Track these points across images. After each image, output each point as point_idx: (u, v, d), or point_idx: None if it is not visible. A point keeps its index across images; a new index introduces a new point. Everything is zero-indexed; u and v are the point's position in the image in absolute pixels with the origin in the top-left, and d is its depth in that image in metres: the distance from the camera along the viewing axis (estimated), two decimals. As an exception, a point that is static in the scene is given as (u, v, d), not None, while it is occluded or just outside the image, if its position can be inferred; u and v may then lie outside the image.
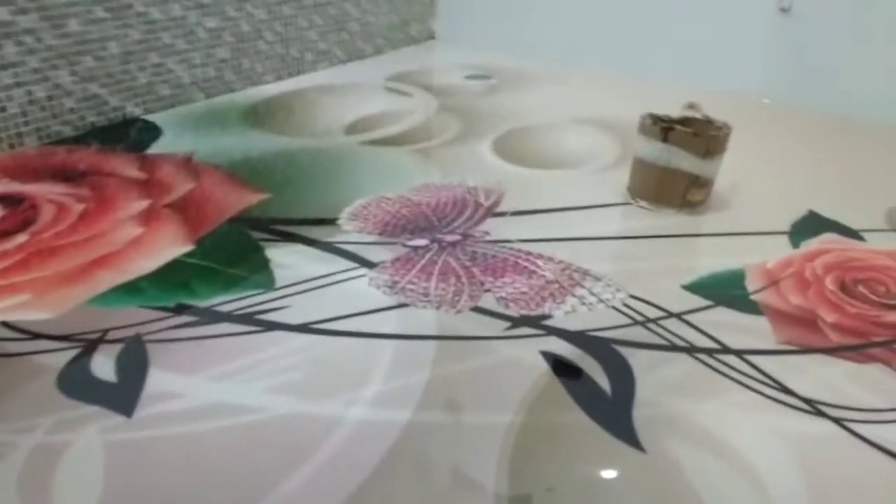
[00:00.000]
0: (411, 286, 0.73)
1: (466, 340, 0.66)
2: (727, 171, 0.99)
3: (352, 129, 1.19)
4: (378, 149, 1.11)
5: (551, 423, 0.57)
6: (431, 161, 1.07)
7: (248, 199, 0.90)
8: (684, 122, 0.96)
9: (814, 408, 0.60)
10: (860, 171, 1.12)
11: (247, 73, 1.36)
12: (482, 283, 0.75)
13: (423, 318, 0.68)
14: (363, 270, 0.76)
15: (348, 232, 0.84)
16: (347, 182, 0.99)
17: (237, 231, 0.82)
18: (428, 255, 0.79)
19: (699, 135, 0.91)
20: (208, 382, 0.58)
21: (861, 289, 0.77)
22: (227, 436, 0.53)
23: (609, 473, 0.53)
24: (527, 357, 0.64)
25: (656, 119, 0.94)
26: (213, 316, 0.66)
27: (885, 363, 0.66)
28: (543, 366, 0.63)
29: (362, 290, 0.73)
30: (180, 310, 0.67)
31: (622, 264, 0.82)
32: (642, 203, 0.96)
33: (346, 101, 1.33)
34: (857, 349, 0.68)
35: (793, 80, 1.40)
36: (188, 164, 0.98)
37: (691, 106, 1.32)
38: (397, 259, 0.79)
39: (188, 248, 0.77)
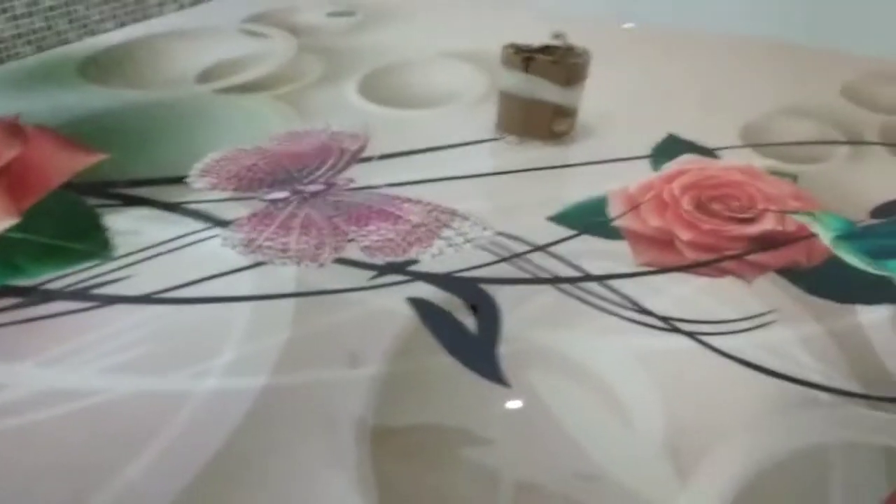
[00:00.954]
0: (269, 243, 0.69)
1: (329, 295, 0.63)
2: (592, 100, 0.99)
3: (204, 77, 1.10)
4: (233, 97, 1.04)
5: (417, 368, 0.56)
6: (292, 107, 1.01)
7: (83, 162, 0.81)
8: (545, 50, 0.95)
9: (670, 325, 0.62)
10: (717, 89, 1.16)
11: (82, 20, 1.23)
12: (346, 234, 0.72)
13: (283, 277, 0.65)
14: (216, 230, 0.71)
15: (199, 190, 0.78)
16: (200, 136, 0.92)
17: (70, 198, 0.74)
18: (288, 209, 0.75)
19: (559, 63, 0.90)
20: (37, 369, 0.52)
21: (715, 206, 0.80)
22: (60, 425, 0.48)
23: (474, 410, 0.53)
24: (393, 305, 0.62)
25: (518, 49, 0.93)
26: (41, 295, 0.60)
27: (737, 275, 0.69)
28: (410, 312, 0.62)
29: (215, 251, 0.68)
30: (4, 292, 0.60)
31: (490, 201, 0.81)
32: (510, 138, 0.95)
33: (198, 47, 1.23)
34: (711, 264, 0.71)
35: (654, 3, 1.42)
36: (13, 128, 0.88)
37: (557, 35, 1.31)
38: (254, 215, 0.74)
39: (12, 221, 0.70)
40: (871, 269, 0.69)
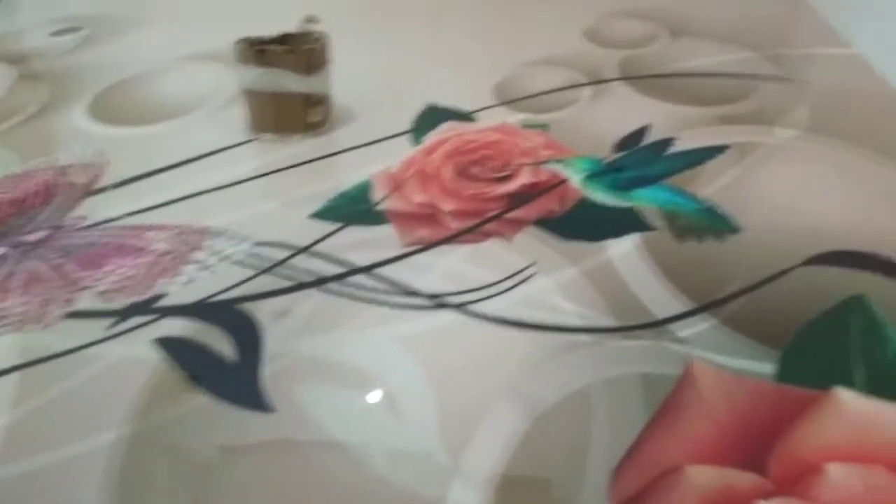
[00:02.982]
0: (-18, 313, 0.60)
1: (57, 359, 0.56)
2: (345, 83, 0.96)
3: None
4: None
5: (169, 419, 0.50)
6: (9, 146, 0.88)
7: None
8: (282, 40, 0.90)
9: (437, 302, 0.61)
10: (468, 49, 1.17)
11: None
12: (78, 281, 0.63)
13: (1, 349, 0.56)
14: (-88, 313, 0.60)
15: None
16: None
17: None
18: (5, 267, 0.65)
19: (295, 51, 0.86)
20: None
21: (476, 169, 0.81)
22: None
23: (240, 447, 0.49)
24: (138, 352, 0.56)
25: (251, 42, 0.87)
26: None
27: (498, 235, 0.70)
28: (157, 356, 0.56)
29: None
30: None
31: (248, 209, 0.76)
32: (266, 136, 0.90)
33: None
34: (474, 230, 0.71)
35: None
36: None
37: (309, 19, 1.26)
38: (-38, 284, 0.64)
39: None
40: (617, 203, 0.73)
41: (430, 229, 0.71)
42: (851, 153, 0.80)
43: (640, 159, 0.81)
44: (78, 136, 0.91)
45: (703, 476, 0.44)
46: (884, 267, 0.61)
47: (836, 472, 0.42)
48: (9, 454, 0.47)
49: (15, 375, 0.54)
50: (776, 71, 1.02)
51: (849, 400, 0.46)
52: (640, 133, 0.86)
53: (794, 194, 0.73)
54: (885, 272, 0.61)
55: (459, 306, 0.60)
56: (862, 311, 0.55)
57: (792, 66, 1.03)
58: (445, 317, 0.59)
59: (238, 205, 0.77)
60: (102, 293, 0.62)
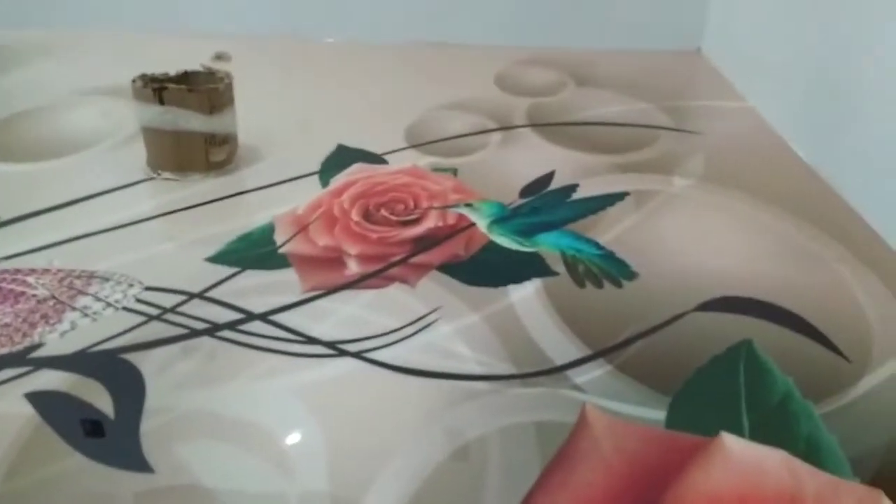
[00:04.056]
0: None
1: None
2: (255, 122, 0.95)
3: None
4: None
5: (37, 481, 0.46)
6: None
7: None
8: (184, 78, 0.88)
9: (336, 349, 0.59)
10: (381, 94, 1.18)
11: None
12: (-56, 330, 0.58)
13: None
14: None
15: None
16: None
17: None
18: None
19: (195, 90, 0.83)
20: None
21: (383, 212, 0.80)
22: None
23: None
24: (7, 407, 0.52)
25: (147, 80, 0.84)
26: None
27: (401, 280, 0.69)
28: (28, 412, 0.51)
29: None
30: None
31: (140, 252, 0.72)
32: (166, 174, 0.86)
33: None
34: (377, 274, 0.70)
35: (308, 15, 1.41)
36: None
37: (220, 56, 1.23)
38: None
39: None
40: (522, 248, 0.74)
41: (333, 274, 0.70)
42: (743, 202, 0.84)
43: (544, 205, 0.82)
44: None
45: (593, 527, 0.43)
46: (773, 314, 0.64)
47: (721, 518, 0.43)
48: None
49: None
50: (674, 122, 1.07)
51: (735, 447, 0.47)
52: (545, 179, 0.88)
53: (688, 241, 0.76)
54: (775, 319, 0.64)
55: (359, 354, 0.59)
56: (750, 358, 0.57)
57: (689, 117, 1.09)
58: (344, 364, 0.58)
59: (131, 247, 0.73)
60: (-30, 343, 0.57)
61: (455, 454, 0.49)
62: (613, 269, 0.70)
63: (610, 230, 0.77)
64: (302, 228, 0.77)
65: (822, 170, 0.91)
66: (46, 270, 0.67)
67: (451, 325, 0.62)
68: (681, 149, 0.98)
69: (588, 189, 0.85)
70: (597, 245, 0.74)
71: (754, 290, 0.67)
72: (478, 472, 0.48)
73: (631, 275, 0.69)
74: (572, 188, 0.86)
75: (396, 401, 0.54)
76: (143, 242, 0.74)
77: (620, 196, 0.84)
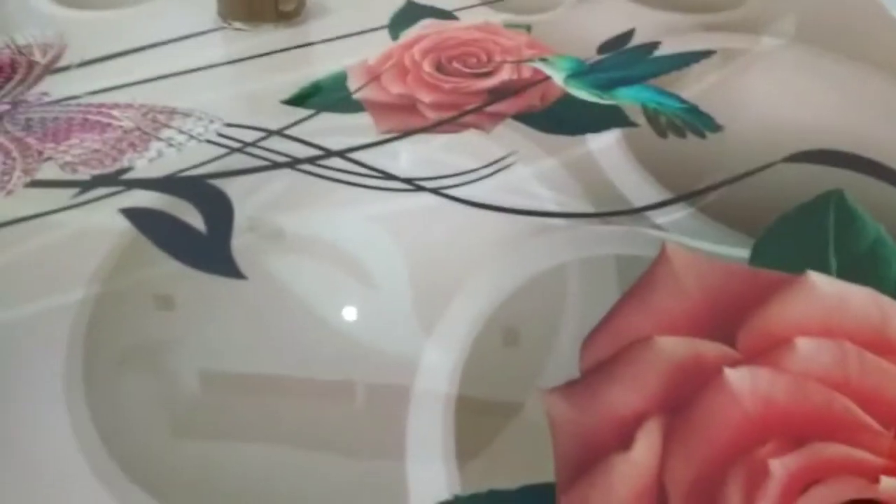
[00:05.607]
0: (-62, 180, 0.57)
1: (20, 223, 0.53)
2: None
3: None
4: None
5: (136, 282, 0.49)
6: (-38, 25, 0.84)
7: None
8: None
9: (413, 185, 0.60)
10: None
11: None
12: (41, 153, 0.61)
13: (-41, 214, 0.54)
14: None
15: None
16: None
17: None
18: (-38, 137, 0.62)
19: (269, -66, 0.81)
20: None
21: (455, 65, 0.78)
22: None
23: (211, 311, 0.48)
24: (102, 220, 0.54)
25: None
26: None
27: (476, 127, 0.68)
28: (124, 224, 0.54)
29: None
30: None
31: (217, 93, 0.73)
32: (237, 24, 0.86)
33: None
34: (451, 121, 0.69)
35: None
36: None
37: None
38: (-84, 152, 0.60)
39: None
40: (600, 100, 0.72)
41: (408, 118, 0.69)
42: (836, 63, 0.79)
43: (624, 61, 0.79)
44: (35, 17, 0.86)
45: (672, 345, 0.44)
46: (866, 167, 0.61)
47: (804, 345, 0.43)
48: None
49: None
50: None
51: (821, 281, 0.46)
52: (624, 37, 0.84)
53: (779, 99, 0.73)
54: (867, 172, 0.61)
55: (436, 190, 0.59)
56: (840, 205, 0.55)
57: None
58: (421, 199, 0.58)
59: (206, 89, 0.74)
60: (66, 164, 0.59)
61: (534, 278, 0.50)
62: (697, 121, 0.67)
63: (694, 86, 0.74)
64: (374, 77, 0.76)
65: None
66: (129, 105, 0.68)
67: (528, 168, 0.62)
68: (771, 9, 0.92)
69: (670, 47, 0.81)
70: (679, 99, 0.71)
71: (845, 144, 0.64)
72: (557, 295, 0.49)
73: (715, 127, 0.67)
74: (654, 45, 0.82)
75: (474, 232, 0.55)
76: (217, 85, 0.75)
77: (706, 54, 0.80)
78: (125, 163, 0.60)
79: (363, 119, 0.69)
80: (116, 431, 0.39)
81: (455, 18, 0.90)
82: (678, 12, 0.90)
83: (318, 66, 0.78)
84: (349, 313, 0.47)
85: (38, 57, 0.77)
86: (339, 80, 0.75)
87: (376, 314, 0.47)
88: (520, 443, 0.40)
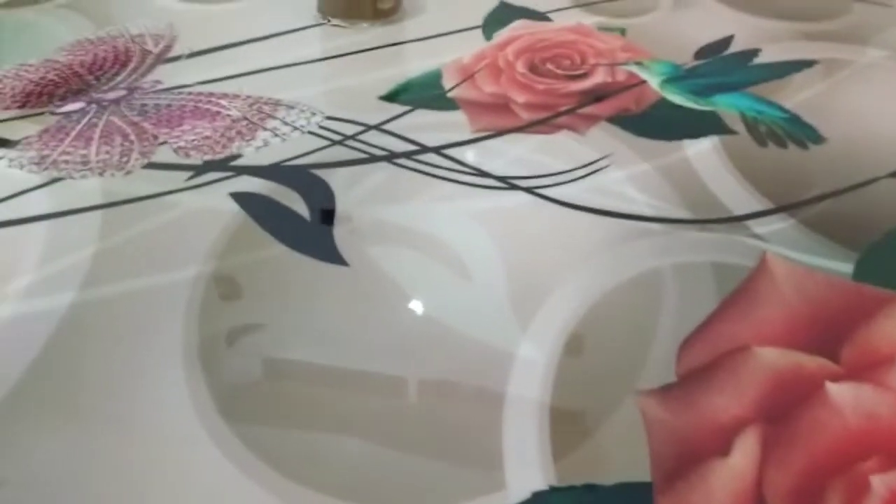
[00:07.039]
0: (65, 157, 0.61)
1: (139, 202, 0.57)
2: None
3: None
4: (9, 12, 0.90)
5: (247, 263, 0.52)
6: (82, 14, 0.89)
7: None
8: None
9: (508, 183, 0.61)
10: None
11: None
12: (156, 137, 0.65)
13: (84, 189, 0.58)
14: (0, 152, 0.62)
15: (-24, 112, 0.68)
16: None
17: None
18: (86, 119, 0.67)
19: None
20: None
21: (549, 66, 0.79)
22: None
23: (317, 294, 0.50)
24: (215, 203, 0.57)
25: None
26: None
27: (570, 129, 0.69)
28: (234, 208, 0.57)
29: (1, 174, 0.59)
30: None
31: (317, 87, 0.76)
32: (335, 21, 0.89)
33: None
34: (545, 122, 0.70)
35: None
36: None
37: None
38: (45, 131, 0.65)
39: None
40: (697, 106, 0.71)
41: (501, 118, 0.70)
42: (947, 77, 0.76)
43: (722, 67, 0.78)
44: (147, 9, 0.91)
45: (772, 356, 0.44)
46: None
47: (912, 364, 0.42)
48: (97, 278, 0.49)
49: (98, 214, 0.55)
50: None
51: (931, 301, 0.45)
52: (723, 43, 0.83)
53: (883, 110, 0.71)
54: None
55: (530, 189, 0.60)
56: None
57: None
58: (516, 197, 0.59)
59: (307, 83, 0.77)
60: (179, 149, 0.63)
61: (630, 280, 0.50)
62: (799, 132, 0.66)
63: (795, 96, 0.72)
64: (468, 76, 0.77)
65: None
66: (237, 96, 0.72)
67: (622, 172, 0.62)
68: (875, 20, 0.89)
69: (771, 55, 0.80)
70: (780, 108, 0.70)
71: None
72: (652, 299, 0.49)
73: (818, 138, 0.65)
74: (753, 53, 0.80)
75: (569, 232, 0.56)
76: (317, 80, 0.78)
77: (808, 63, 0.78)
78: (234, 150, 0.63)
79: (457, 117, 0.70)
80: (230, 405, 0.42)
81: (548, 20, 0.91)
82: (778, 20, 0.88)
83: (414, 64, 0.80)
84: (447, 305, 0.49)
85: (150, 46, 0.81)
86: (434, 78, 0.77)
87: (473, 307, 0.49)
88: (613, 443, 0.41)
